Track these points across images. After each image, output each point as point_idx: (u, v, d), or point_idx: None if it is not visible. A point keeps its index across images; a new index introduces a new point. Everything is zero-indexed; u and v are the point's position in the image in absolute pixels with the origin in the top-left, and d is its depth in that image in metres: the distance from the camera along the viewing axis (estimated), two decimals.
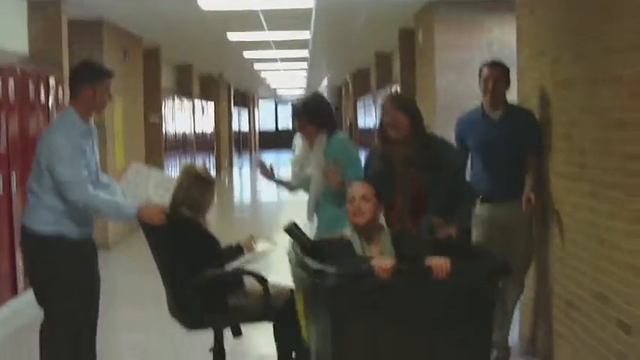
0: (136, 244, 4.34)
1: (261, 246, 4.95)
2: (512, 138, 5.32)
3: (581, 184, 4.73)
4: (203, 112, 21.82)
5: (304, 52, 17.19)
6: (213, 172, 19.26)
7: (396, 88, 13.85)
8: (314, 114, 5.05)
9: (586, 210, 4.67)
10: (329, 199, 4.90)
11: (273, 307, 4.70)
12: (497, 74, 5.43)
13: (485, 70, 5.49)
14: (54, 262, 4.49)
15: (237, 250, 4.84)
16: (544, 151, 5.33)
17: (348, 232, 4.26)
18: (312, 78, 27.09)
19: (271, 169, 5.18)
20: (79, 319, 4.56)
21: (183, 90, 19.27)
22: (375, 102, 17.91)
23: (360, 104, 21.90)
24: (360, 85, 21.77)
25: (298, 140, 5.25)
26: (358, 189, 4.29)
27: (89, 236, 4.65)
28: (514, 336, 5.85)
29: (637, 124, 3.91)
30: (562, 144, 5.04)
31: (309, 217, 5.15)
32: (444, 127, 9.74)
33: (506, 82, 5.47)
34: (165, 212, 4.54)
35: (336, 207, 4.74)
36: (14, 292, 7.47)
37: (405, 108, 4.69)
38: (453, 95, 9.68)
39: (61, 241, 4.47)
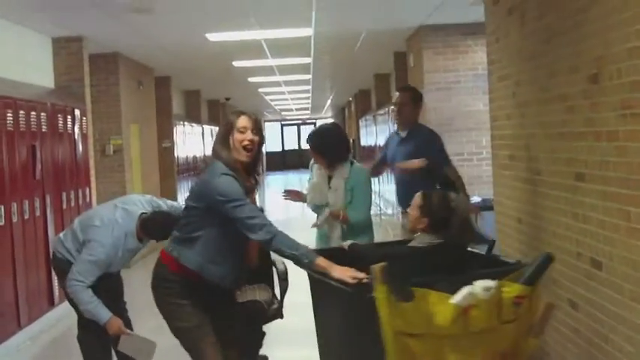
0: (152, 263, 5.18)
1: None
2: (411, 153, 6.04)
3: (536, 187, 5.59)
4: (212, 135, 22.68)
5: (307, 76, 18.00)
6: None
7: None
8: (317, 146, 5.55)
9: (540, 208, 5.52)
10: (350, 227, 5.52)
11: None
12: (402, 100, 6.24)
13: (396, 96, 6.28)
14: None
15: None
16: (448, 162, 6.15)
17: None
18: (316, 99, 27.94)
19: (299, 194, 5.80)
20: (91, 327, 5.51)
21: (192, 115, 20.13)
22: (375, 121, 18.75)
23: (362, 123, 22.72)
24: (362, 104, 22.56)
25: (315, 165, 5.77)
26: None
27: (112, 271, 5.59)
28: None
29: (574, 134, 4.77)
30: (522, 154, 5.90)
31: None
32: None
33: (415, 105, 6.25)
34: (123, 331, 5.36)
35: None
36: (51, 303, 8.32)
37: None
38: (441, 114, 10.53)
39: None
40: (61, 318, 8.34)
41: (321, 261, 3.99)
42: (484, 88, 7.65)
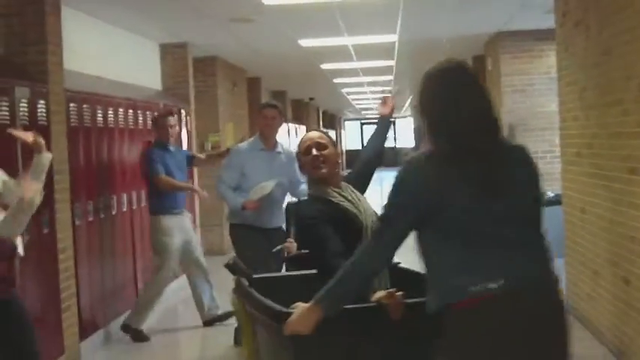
0: None
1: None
2: None
3: (598, 180, 6.34)
4: (296, 134, 23.69)
5: (389, 77, 18.80)
6: None
7: None
8: None
9: (601, 198, 6.27)
10: None
11: None
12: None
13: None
14: None
15: None
16: None
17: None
18: (397, 98, 28.69)
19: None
20: None
21: None
22: None
23: None
24: None
25: None
26: (312, 134, 4.02)
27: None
28: None
29: (629, 134, 5.53)
30: (587, 151, 6.65)
31: None
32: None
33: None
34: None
35: None
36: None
37: None
38: (517, 114, 11.25)
39: None
40: (167, 291, 9.29)
41: None
42: (557, 91, 8.34)
